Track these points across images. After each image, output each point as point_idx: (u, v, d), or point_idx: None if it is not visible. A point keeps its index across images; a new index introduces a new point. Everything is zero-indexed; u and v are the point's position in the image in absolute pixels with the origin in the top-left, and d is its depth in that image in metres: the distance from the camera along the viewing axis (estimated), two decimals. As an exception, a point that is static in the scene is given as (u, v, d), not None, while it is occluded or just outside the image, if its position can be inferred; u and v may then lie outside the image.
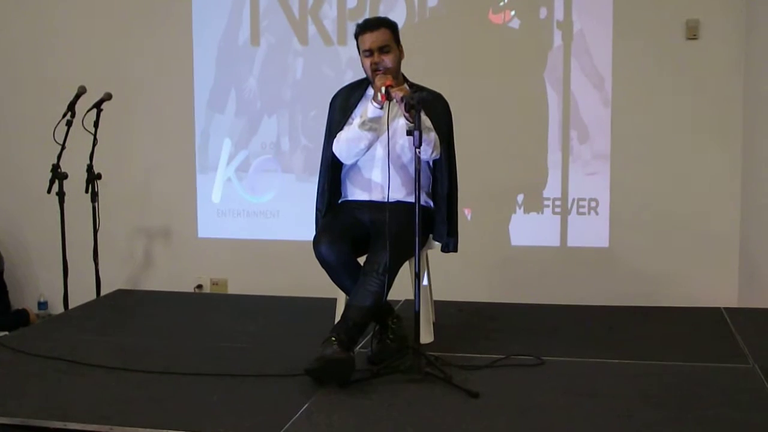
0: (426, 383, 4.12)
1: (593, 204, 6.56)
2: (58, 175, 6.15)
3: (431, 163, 4.79)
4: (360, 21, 4.76)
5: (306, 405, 3.92)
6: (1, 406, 3.91)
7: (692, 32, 6.25)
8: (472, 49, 6.63)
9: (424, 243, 4.62)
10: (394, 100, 4.41)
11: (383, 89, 4.41)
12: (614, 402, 3.92)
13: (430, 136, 4.52)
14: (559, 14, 6.48)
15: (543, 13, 6.51)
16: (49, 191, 6.16)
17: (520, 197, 6.68)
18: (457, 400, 3.96)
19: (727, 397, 3.96)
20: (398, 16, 6.34)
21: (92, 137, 6.18)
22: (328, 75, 6.88)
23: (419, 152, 4.22)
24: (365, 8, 6.75)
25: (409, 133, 4.23)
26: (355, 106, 4.79)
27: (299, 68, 6.98)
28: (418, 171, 4.23)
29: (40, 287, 7.37)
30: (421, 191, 4.34)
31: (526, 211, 6.69)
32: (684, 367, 4.39)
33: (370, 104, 4.54)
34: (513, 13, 6.55)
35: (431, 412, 3.83)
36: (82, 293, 6.30)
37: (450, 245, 4.88)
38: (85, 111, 6.13)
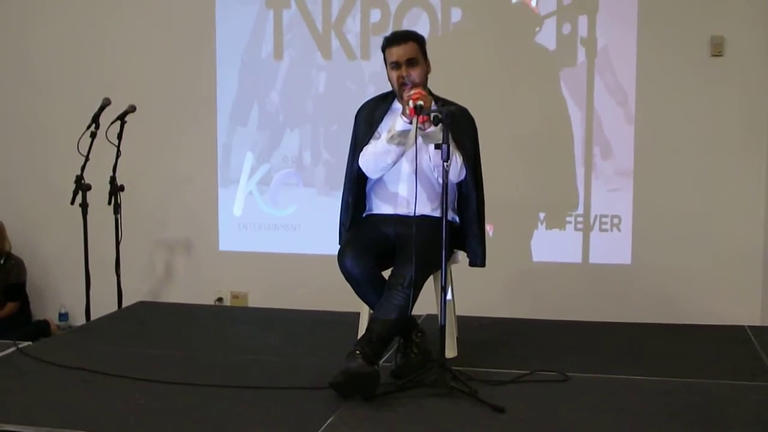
0: (451, 397, 4.10)
1: (616, 221, 6.55)
2: (81, 186, 6.18)
3: (458, 178, 4.78)
4: (388, 34, 4.77)
5: (330, 419, 3.90)
6: (26, 416, 3.91)
7: (717, 49, 6.23)
8: (495, 63, 6.63)
9: (449, 257, 4.60)
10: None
11: (410, 103, 4.40)
12: (641, 419, 3.90)
13: (457, 161, 4.53)
14: (583, 30, 6.48)
15: (567, 29, 6.51)
16: (72, 202, 6.19)
17: (542, 213, 6.67)
18: (482, 414, 3.94)
19: (754, 415, 3.93)
20: (422, 30, 6.20)
21: (116, 149, 6.21)
22: (351, 89, 6.88)
23: (447, 166, 4.21)
24: (389, 23, 6.76)
25: (438, 146, 4.23)
26: (381, 120, 4.77)
27: (322, 82, 7.00)
28: (445, 184, 4.23)
29: (62, 298, 7.38)
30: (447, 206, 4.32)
31: (548, 227, 6.68)
32: (710, 385, 4.36)
33: (399, 118, 4.53)
34: (537, 28, 6.55)
35: (457, 427, 3.81)
36: (103, 305, 6.30)
37: (478, 260, 4.85)
38: (109, 123, 6.17)
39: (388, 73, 4.73)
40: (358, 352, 4.19)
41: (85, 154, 6.09)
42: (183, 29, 7.12)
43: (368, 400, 4.09)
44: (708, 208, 6.40)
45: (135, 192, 6.60)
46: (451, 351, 4.78)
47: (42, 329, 6.99)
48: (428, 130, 4.48)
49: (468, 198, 4.78)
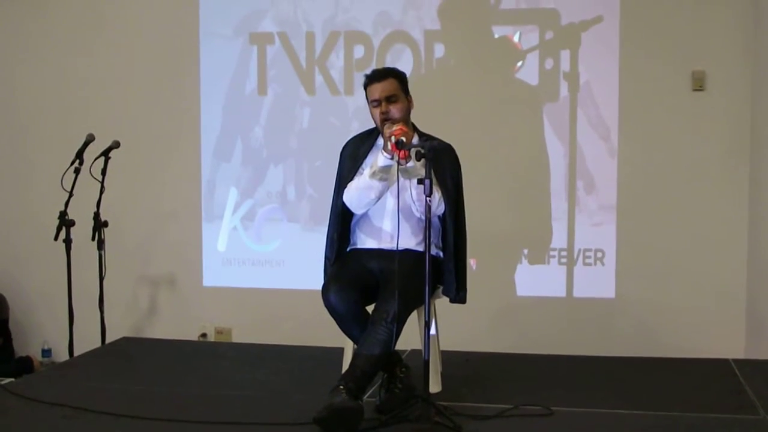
0: (435, 433, 4.10)
1: (599, 255, 6.56)
2: (65, 222, 6.16)
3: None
4: (368, 72, 4.79)
5: (315, 454, 3.89)
6: (8, 453, 3.90)
7: (698, 83, 6.29)
8: (478, 98, 6.66)
9: (432, 292, 4.59)
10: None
11: (392, 138, 4.41)
12: (626, 453, 3.91)
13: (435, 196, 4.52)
14: (565, 65, 6.53)
15: (549, 64, 6.55)
16: (56, 238, 6.17)
17: (526, 247, 6.68)
18: (467, 450, 3.94)
19: (738, 448, 3.95)
20: (405, 67, 6.34)
21: (99, 185, 6.20)
22: (335, 125, 6.90)
23: (429, 201, 4.22)
24: (372, 58, 6.80)
25: (420, 181, 4.24)
26: (366, 156, 4.79)
27: (306, 118, 7.01)
28: (428, 219, 4.23)
29: (45, 334, 7.33)
30: (431, 240, 4.32)
31: (532, 261, 6.69)
32: (695, 419, 4.35)
33: (380, 154, 4.54)
34: (520, 63, 6.59)
35: (441, 462, 3.81)
36: (86, 341, 6.25)
37: (459, 297, 4.84)
38: (93, 159, 6.15)
39: (370, 111, 4.74)
40: (342, 387, 4.18)
41: (69, 189, 6.09)
42: (167, 65, 7.14)
43: (352, 436, 4.08)
44: (691, 242, 6.43)
45: (119, 228, 6.58)
46: (435, 386, 4.75)
47: (25, 366, 6.94)
48: (408, 165, 4.49)
49: (446, 234, 4.79)
